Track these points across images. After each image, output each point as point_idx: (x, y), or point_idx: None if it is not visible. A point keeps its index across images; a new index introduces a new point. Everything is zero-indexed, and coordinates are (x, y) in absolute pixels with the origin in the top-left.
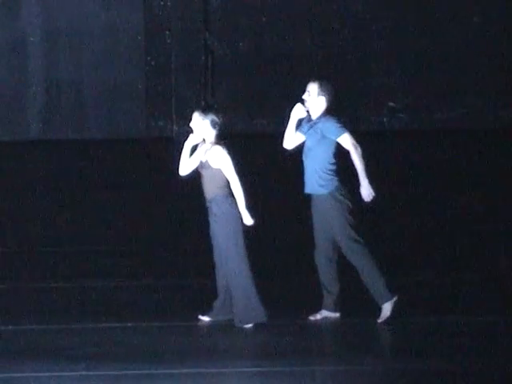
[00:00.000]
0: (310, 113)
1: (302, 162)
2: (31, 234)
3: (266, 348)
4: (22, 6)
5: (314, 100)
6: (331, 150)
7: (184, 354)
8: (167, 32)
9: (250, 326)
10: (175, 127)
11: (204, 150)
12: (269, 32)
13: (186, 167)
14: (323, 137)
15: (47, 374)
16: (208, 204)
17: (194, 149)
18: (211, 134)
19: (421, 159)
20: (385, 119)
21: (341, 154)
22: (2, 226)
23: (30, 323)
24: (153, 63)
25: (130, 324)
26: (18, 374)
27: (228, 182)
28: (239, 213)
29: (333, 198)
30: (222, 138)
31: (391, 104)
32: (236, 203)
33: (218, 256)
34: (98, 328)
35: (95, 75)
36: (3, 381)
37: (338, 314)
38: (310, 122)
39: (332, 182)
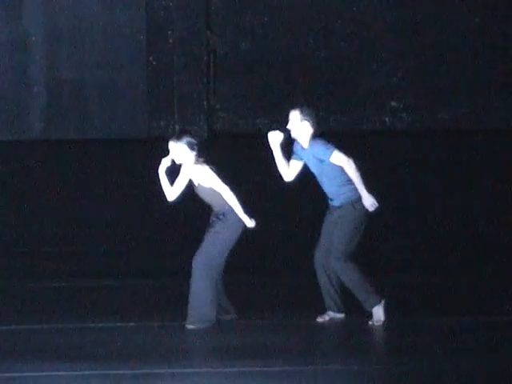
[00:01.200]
0: (299, 140)
1: (317, 183)
2: (32, 234)
3: (267, 347)
4: (24, 5)
5: (299, 127)
6: (337, 165)
7: (187, 354)
8: (169, 32)
9: (195, 326)
10: (177, 127)
11: (188, 173)
12: (271, 31)
13: (171, 193)
14: (321, 160)
15: (49, 373)
16: (213, 218)
17: (169, 172)
18: (190, 156)
19: (423, 159)
20: (387, 119)
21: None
22: (2, 226)
23: (31, 323)
24: (155, 63)
25: (132, 323)
26: (20, 374)
27: None
28: (243, 223)
29: (353, 207)
30: (200, 156)
31: (393, 104)
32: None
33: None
34: (99, 327)
35: (97, 75)
36: (5, 380)
37: (342, 315)
38: (303, 149)
39: (354, 192)
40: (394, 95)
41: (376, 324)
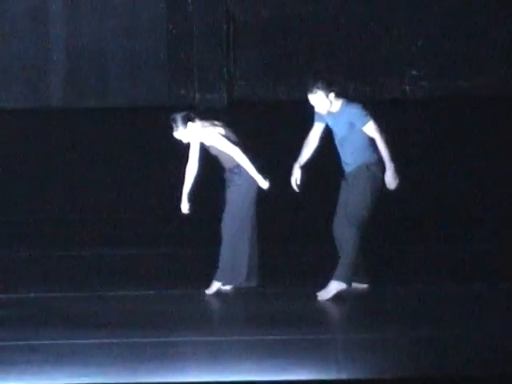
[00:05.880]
0: (332, 110)
1: (334, 147)
2: (52, 202)
3: (287, 316)
4: None
5: (327, 102)
6: (365, 132)
7: (208, 322)
8: None
9: (228, 288)
10: (197, 94)
11: (197, 139)
12: None
13: (191, 168)
14: (352, 124)
15: (70, 341)
16: (227, 173)
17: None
18: (193, 127)
19: (444, 127)
20: (407, 87)
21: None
22: (23, 194)
23: (51, 291)
24: (174, 31)
25: (152, 292)
26: (40, 342)
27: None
28: (255, 181)
29: (367, 168)
30: (205, 121)
31: (413, 72)
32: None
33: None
34: (119, 296)
35: (117, 43)
36: (26, 348)
37: (364, 285)
38: (329, 113)
39: (371, 157)
40: (415, 64)
41: (320, 297)
